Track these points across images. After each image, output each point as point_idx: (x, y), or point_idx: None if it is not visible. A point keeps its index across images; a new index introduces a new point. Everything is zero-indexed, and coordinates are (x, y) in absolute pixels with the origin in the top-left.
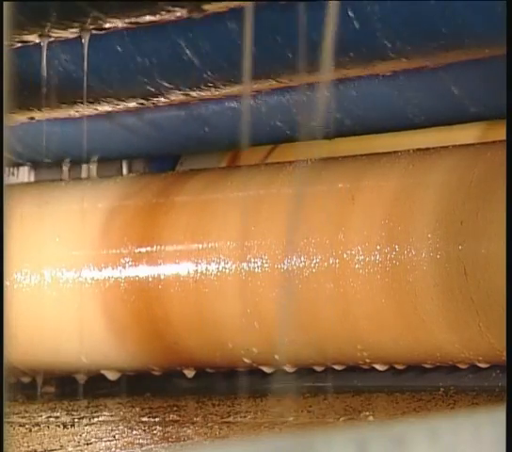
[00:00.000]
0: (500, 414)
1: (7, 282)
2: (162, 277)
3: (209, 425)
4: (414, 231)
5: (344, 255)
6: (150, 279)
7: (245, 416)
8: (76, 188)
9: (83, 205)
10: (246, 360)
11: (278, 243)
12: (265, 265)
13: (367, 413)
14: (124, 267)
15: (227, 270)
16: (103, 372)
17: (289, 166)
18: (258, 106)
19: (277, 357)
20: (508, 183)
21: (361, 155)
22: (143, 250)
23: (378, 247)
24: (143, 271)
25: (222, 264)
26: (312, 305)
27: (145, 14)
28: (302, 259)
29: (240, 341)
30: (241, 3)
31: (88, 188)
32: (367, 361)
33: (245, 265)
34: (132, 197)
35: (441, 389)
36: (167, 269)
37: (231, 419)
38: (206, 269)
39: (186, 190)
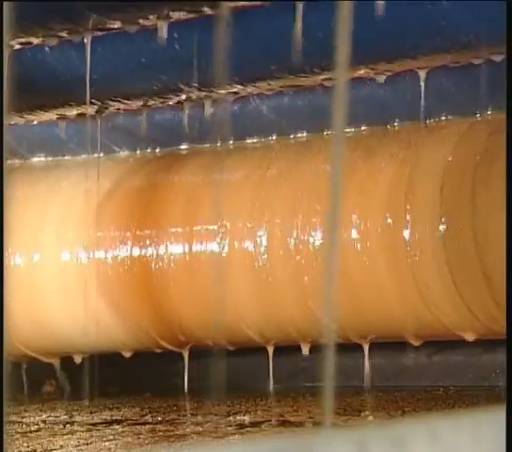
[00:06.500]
0: (500, 414)
1: (8, 263)
2: (161, 256)
3: (209, 425)
4: (419, 205)
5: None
6: (149, 258)
7: (245, 416)
8: (76, 169)
9: (84, 185)
10: (252, 335)
11: (281, 222)
12: (269, 243)
13: (367, 413)
14: (124, 247)
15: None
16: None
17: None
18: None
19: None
20: (508, 181)
21: (364, 131)
22: (143, 230)
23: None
24: (143, 251)
25: (222, 243)
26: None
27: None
28: (306, 236)
29: (241, 317)
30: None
31: (88, 169)
32: (373, 336)
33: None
34: (131, 176)
35: (441, 389)
36: (166, 249)
37: (231, 419)
38: (205, 249)
39: (186, 171)
